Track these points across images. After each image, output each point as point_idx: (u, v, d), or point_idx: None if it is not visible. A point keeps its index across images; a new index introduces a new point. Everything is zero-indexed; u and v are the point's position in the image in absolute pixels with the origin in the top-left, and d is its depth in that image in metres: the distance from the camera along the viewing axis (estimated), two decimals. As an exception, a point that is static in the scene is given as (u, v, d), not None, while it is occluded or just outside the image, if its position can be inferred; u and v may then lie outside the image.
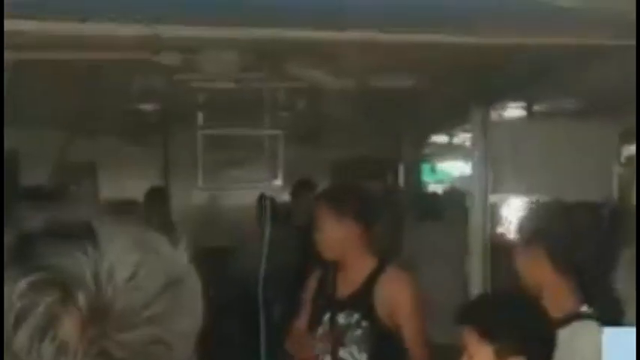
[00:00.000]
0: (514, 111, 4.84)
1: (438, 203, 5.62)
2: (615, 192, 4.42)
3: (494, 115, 4.41)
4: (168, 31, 2.84)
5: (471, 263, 4.19)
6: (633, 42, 2.35)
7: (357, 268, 2.85)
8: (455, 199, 6.20)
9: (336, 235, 2.81)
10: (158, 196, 6.31)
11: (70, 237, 0.72)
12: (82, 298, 0.67)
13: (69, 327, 0.66)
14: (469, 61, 3.59)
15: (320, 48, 3.33)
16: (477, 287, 4.17)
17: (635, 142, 4.97)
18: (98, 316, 0.67)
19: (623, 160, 5.14)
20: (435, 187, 7.78)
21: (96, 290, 0.68)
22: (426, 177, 8.13)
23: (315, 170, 6.84)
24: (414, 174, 6.98)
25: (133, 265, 0.70)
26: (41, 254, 0.70)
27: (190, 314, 0.74)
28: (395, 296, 2.77)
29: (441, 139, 7.17)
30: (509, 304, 2.01)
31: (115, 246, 0.71)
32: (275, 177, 7.94)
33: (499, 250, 3.93)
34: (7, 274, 0.69)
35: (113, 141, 6.77)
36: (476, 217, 4.16)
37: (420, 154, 7.22)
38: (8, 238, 0.74)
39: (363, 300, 2.81)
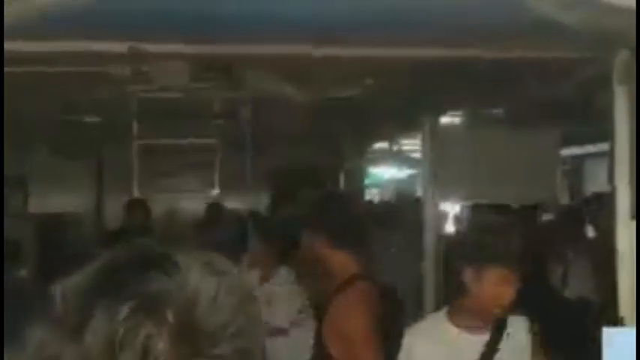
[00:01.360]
0: (457, 119, 4.95)
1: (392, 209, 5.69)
2: (558, 193, 4.57)
3: (440, 122, 4.49)
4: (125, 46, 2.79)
5: (425, 268, 4.26)
6: (595, 55, 2.46)
7: (333, 281, 2.73)
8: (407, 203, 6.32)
9: (307, 246, 2.81)
10: (138, 208, 6.22)
11: (153, 265, 0.77)
12: (172, 319, 0.73)
13: (164, 346, 0.72)
14: (417, 71, 3.67)
15: (276, 61, 3.33)
16: (430, 292, 4.24)
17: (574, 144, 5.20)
18: (189, 334, 0.73)
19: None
20: (374, 193, 7.87)
21: (185, 311, 0.73)
22: (366, 183, 8.21)
23: (254, 179, 6.81)
24: (354, 181, 7.04)
25: (214, 286, 0.76)
26: (130, 282, 0.75)
27: (261, 324, 0.83)
28: (341, 322, 2.55)
29: (382, 145, 7.26)
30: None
31: (194, 270, 0.77)
32: (212, 186, 7.88)
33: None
34: (103, 302, 0.73)
35: (45, 154, 6.53)
36: (427, 222, 4.23)
37: (361, 161, 7.28)
38: (93, 268, 0.78)
39: (318, 318, 2.73)
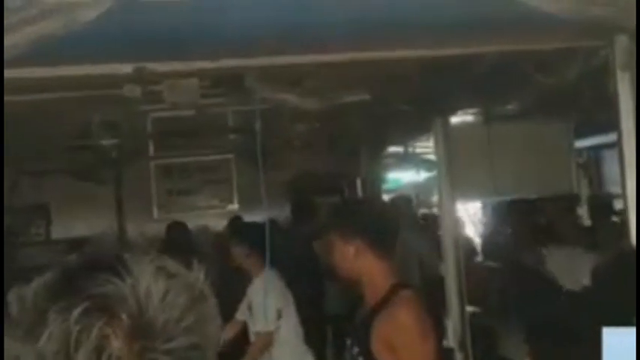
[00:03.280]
0: (471, 117, 4.95)
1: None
2: (575, 185, 4.55)
3: (452, 122, 4.50)
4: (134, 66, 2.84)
5: (447, 269, 4.26)
6: (594, 43, 2.46)
7: (372, 292, 2.61)
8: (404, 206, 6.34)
9: (342, 258, 2.62)
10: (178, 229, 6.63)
11: (106, 268, 0.83)
12: (126, 318, 0.79)
13: (119, 344, 0.78)
14: (424, 72, 3.69)
15: (283, 72, 3.36)
16: (452, 293, 4.24)
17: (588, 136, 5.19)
18: (142, 331, 0.79)
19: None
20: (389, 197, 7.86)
21: (137, 310, 0.80)
22: (384, 188, 8.21)
23: (271, 191, 6.83)
24: (372, 186, 7.04)
25: (164, 287, 0.83)
26: (85, 285, 0.81)
27: (214, 321, 0.89)
28: (392, 335, 2.46)
29: (397, 149, 7.26)
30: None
31: (146, 273, 0.84)
32: (230, 201, 7.92)
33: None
34: (59, 305, 0.79)
35: (65, 179, 6.62)
36: (445, 223, 4.24)
37: (377, 167, 7.29)
38: (50, 275, 0.84)
39: (362, 332, 2.57)
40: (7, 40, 1.31)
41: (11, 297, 0.82)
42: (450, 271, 4.27)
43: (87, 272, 0.83)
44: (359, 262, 2.60)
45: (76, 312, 0.78)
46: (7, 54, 1.40)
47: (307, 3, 2.32)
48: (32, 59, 2.40)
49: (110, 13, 1.33)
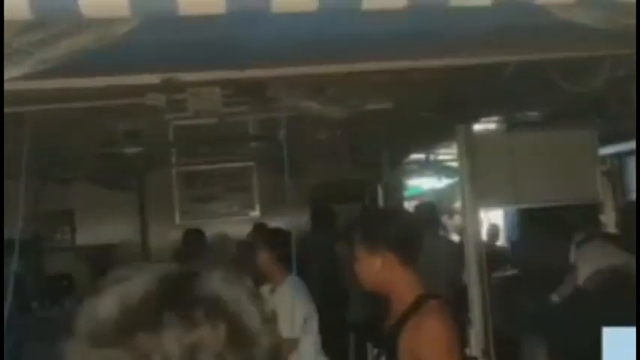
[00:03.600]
0: (494, 124, 4.94)
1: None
2: (599, 193, 4.52)
3: (475, 129, 4.49)
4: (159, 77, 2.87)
5: (469, 277, 4.25)
6: (621, 52, 2.44)
7: (398, 303, 2.59)
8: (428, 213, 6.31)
9: (370, 269, 2.59)
10: (194, 236, 6.67)
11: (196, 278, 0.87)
12: (229, 327, 0.82)
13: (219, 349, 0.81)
14: (446, 81, 3.68)
15: (307, 80, 3.38)
16: (476, 301, 4.22)
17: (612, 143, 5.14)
18: (238, 337, 0.83)
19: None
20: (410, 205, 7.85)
21: (234, 317, 0.83)
22: (405, 195, 8.20)
23: (293, 198, 6.85)
24: (393, 194, 7.04)
25: (242, 293, 0.88)
26: (193, 291, 0.84)
27: (276, 324, 0.95)
28: (419, 346, 2.44)
29: (419, 157, 7.25)
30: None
31: (221, 281, 0.87)
32: (252, 208, 7.96)
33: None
34: (170, 310, 0.80)
35: (89, 187, 6.69)
36: (469, 230, 4.22)
37: (399, 174, 7.28)
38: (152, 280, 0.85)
39: (390, 342, 2.56)
40: (44, 54, 1.34)
41: (111, 299, 0.82)
42: (473, 280, 4.26)
43: (182, 280, 0.85)
44: (386, 272, 2.58)
45: (189, 317, 0.80)
46: (43, 67, 1.43)
47: (331, 15, 2.33)
48: (60, 70, 2.44)
49: (141, 27, 1.35)
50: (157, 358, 0.78)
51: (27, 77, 2.00)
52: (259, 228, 6.51)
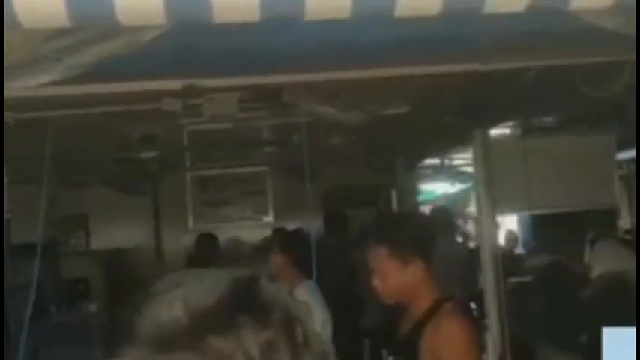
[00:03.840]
0: (510, 129, 4.92)
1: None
2: (617, 198, 4.49)
3: (491, 134, 4.47)
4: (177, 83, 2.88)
5: (485, 282, 4.22)
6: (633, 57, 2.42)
7: (415, 307, 2.59)
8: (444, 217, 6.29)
9: (398, 279, 2.55)
10: (207, 240, 6.68)
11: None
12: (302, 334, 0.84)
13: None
14: (464, 86, 3.67)
15: (324, 86, 3.38)
16: (492, 306, 4.20)
17: (629, 148, 5.09)
18: (307, 346, 0.85)
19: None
20: (424, 209, 7.83)
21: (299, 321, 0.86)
22: (419, 200, 8.19)
23: (307, 203, 6.85)
24: (407, 198, 7.02)
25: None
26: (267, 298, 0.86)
27: None
28: (440, 348, 2.45)
29: (433, 162, 7.24)
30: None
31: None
32: (266, 213, 7.96)
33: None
34: (244, 315, 0.81)
35: (104, 191, 6.72)
36: (483, 236, 4.20)
37: (413, 178, 7.27)
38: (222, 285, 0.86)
39: (409, 347, 2.55)
40: (73, 60, 1.34)
41: (176, 304, 0.82)
42: (489, 285, 4.24)
43: (251, 284, 0.86)
44: (413, 281, 2.56)
45: (261, 323, 0.81)
46: (71, 73, 1.43)
47: (349, 22, 2.33)
48: (81, 76, 2.45)
49: (168, 33, 1.35)
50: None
51: (51, 83, 2.01)
52: (278, 232, 6.52)
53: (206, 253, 6.42)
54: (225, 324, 0.80)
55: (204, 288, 0.83)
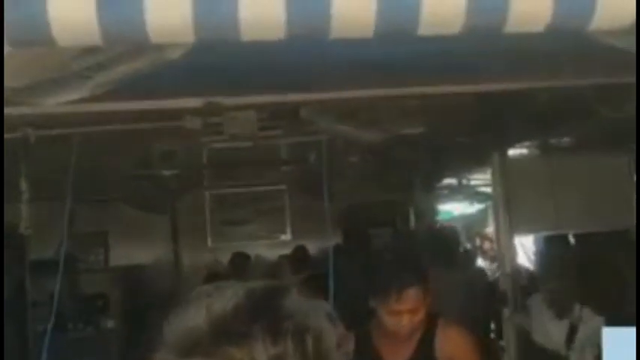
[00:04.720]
0: (528, 149, 4.91)
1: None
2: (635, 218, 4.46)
3: (510, 154, 4.47)
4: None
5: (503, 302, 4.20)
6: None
7: (413, 326, 2.68)
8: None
9: (424, 311, 2.65)
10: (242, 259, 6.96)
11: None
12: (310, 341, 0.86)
13: None
14: (484, 104, 3.68)
15: (342, 104, 3.41)
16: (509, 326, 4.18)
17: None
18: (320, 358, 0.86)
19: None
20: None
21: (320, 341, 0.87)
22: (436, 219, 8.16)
23: (325, 221, 6.87)
24: (424, 217, 7.02)
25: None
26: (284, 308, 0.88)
27: None
28: (456, 352, 2.64)
29: (451, 181, 7.23)
30: None
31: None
32: (284, 231, 7.98)
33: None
34: (259, 324, 0.83)
35: (124, 208, 6.78)
36: (504, 257, 4.19)
37: (431, 198, 7.26)
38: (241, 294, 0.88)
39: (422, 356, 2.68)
40: (102, 78, 1.38)
41: (200, 311, 0.84)
42: (507, 305, 4.22)
43: (279, 294, 0.89)
44: (427, 306, 2.64)
45: (280, 332, 0.83)
46: (100, 90, 1.47)
47: (367, 40, 2.35)
48: (104, 94, 2.50)
49: (191, 52, 1.39)
50: None
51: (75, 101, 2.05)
52: (299, 249, 6.57)
53: (239, 270, 6.58)
54: (240, 334, 0.82)
55: (226, 298, 0.86)
